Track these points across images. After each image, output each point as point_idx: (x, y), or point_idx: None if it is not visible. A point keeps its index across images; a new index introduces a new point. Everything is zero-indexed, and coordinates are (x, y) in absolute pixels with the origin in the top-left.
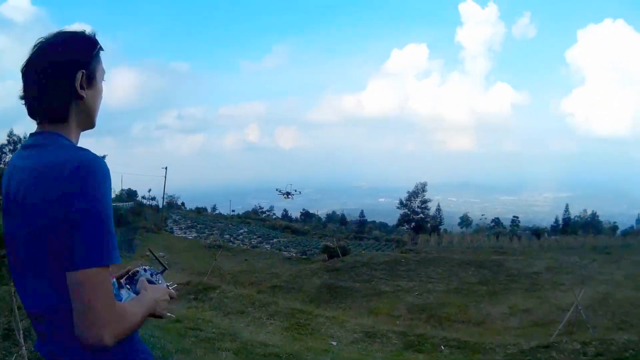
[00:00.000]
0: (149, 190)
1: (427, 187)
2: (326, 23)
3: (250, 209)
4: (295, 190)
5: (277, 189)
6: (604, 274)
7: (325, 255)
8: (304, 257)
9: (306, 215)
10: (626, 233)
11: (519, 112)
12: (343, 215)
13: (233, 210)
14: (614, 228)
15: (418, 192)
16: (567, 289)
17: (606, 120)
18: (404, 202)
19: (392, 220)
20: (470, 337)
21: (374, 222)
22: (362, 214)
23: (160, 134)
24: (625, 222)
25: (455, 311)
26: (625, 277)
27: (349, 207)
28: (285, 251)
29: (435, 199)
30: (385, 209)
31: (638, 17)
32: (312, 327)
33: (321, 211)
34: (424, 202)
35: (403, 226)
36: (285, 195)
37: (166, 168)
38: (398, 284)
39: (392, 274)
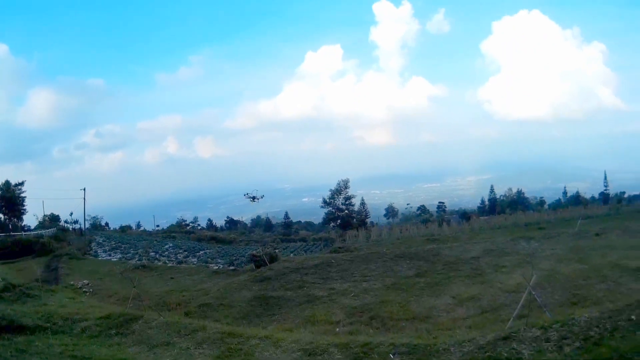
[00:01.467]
0: (71, 214)
1: (349, 184)
2: (241, 30)
3: (174, 222)
4: (262, 196)
5: (245, 194)
6: (545, 250)
7: (253, 264)
8: (232, 268)
9: (231, 223)
10: (555, 206)
11: (436, 104)
12: (268, 219)
13: (157, 226)
14: (542, 203)
15: (341, 189)
16: (509, 270)
17: (524, 104)
18: (327, 200)
19: (317, 219)
20: (420, 337)
21: (299, 222)
22: (286, 215)
23: (80, 154)
24: (551, 196)
25: (397, 309)
26: (567, 251)
27: (274, 209)
28: (212, 263)
29: (359, 193)
30: (309, 207)
31: (553, 7)
32: (245, 351)
33: (246, 217)
34: (348, 198)
35: (329, 224)
36: (251, 199)
37: (84, 189)
38: (332, 287)
39: (324, 277)
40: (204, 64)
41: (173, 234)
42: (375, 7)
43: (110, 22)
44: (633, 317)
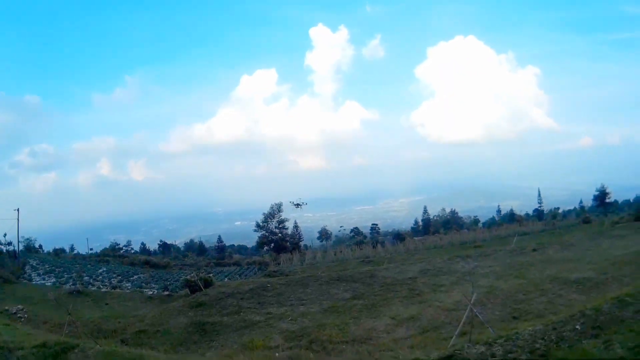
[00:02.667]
0: (5, 235)
1: (282, 207)
2: (177, 52)
3: (107, 246)
4: (305, 203)
5: (290, 201)
6: (483, 267)
7: (188, 289)
8: (166, 293)
9: (164, 247)
10: (490, 225)
11: (369, 128)
12: (201, 242)
13: (91, 249)
14: (476, 222)
15: (274, 213)
16: (448, 289)
17: (458, 127)
18: (261, 224)
19: (250, 242)
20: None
21: (233, 245)
22: (219, 239)
23: (15, 173)
24: (485, 214)
25: (336, 331)
26: (505, 267)
27: (207, 233)
28: (147, 289)
29: (292, 216)
30: (242, 231)
31: (489, 32)
32: None
33: (179, 241)
34: (281, 221)
35: (263, 248)
36: (296, 206)
37: (18, 210)
38: (269, 312)
39: (260, 301)
40: (140, 85)
41: (107, 258)
42: (312, 32)
43: (49, 39)
44: (578, 326)
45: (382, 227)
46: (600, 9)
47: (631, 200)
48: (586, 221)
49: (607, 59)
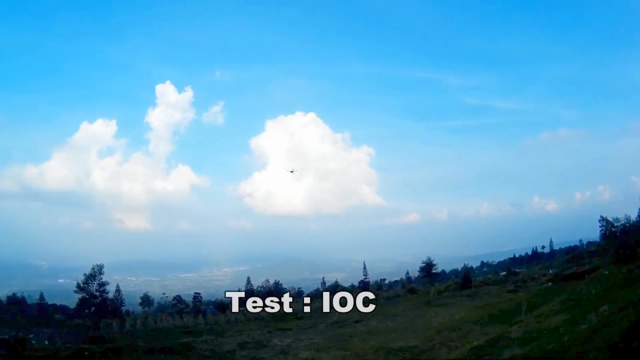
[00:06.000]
0: None
1: (104, 270)
2: (26, 83)
3: None
4: (296, 170)
5: (285, 169)
6: (304, 340)
7: (4, 351)
8: None
9: None
10: (314, 297)
11: (198, 194)
12: (23, 298)
13: None
14: (300, 293)
15: (95, 274)
16: None
17: (286, 200)
18: (82, 285)
19: (73, 302)
20: None
21: (55, 304)
22: (42, 297)
23: None
24: (310, 286)
25: None
26: (326, 340)
27: (31, 288)
28: None
29: (115, 279)
30: (66, 289)
31: (329, 111)
32: None
33: (2, 293)
34: (102, 284)
35: (84, 310)
36: (290, 172)
37: None
38: None
39: None
40: None
41: None
42: (159, 88)
43: None
44: None
45: (205, 296)
46: (440, 98)
47: (459, 269)
48: (412, 291)
49: (440, 143)
